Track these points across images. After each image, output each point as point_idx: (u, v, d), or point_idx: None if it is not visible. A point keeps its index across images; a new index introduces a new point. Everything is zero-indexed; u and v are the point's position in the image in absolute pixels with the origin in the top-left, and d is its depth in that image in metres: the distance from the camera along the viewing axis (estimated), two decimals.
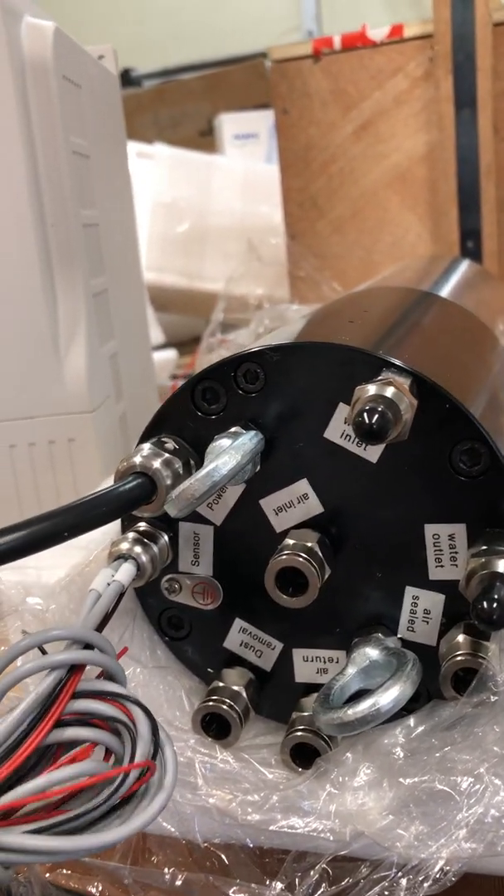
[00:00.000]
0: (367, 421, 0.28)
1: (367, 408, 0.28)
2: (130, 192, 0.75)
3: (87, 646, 0.28)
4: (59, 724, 0.27)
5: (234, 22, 2.67)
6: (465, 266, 0.77)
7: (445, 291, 0.58)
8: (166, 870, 0.34)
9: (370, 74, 0.98)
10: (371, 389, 0.29)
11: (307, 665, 0.36)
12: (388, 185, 1.00)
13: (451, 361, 0.39)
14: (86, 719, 0.27)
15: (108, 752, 0.27)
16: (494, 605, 0.28)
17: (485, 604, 0.28)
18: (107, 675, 0.29)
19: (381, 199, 1.01)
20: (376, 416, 0.28)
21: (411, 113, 0.98)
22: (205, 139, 2.06)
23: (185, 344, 1.35)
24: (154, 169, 1.50)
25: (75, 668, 0.28)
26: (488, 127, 0.93)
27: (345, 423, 0.33)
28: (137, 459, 0.33)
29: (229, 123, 1.73)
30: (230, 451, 0.31)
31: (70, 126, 0.55)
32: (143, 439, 0.35)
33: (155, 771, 0.26)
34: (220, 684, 0.36)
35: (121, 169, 0.73)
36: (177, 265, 1.47)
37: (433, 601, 0.34)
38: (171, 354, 1.27)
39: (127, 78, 2.58)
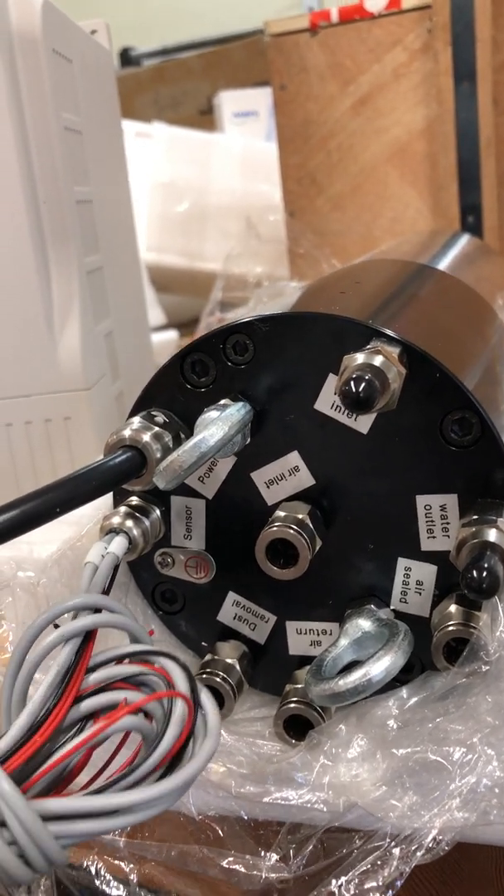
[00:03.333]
0: (353, 389, 0.28)
1: (355, 376, 0.28)
2: (125, 169, 0.75)
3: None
4: (84, 697, 0.26)
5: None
6: (464, 240, 0.77)
7: (443, 265, 0.57)
8: (161, 842, 0.34)
9: (368, 47, 0.96)
10: (359, 358, 0.29)
11: (301, 637, 0.36)
12: (388, 160, 0.99)
13: (444, 333, 0.39)
14: (110, 685, 0.27)
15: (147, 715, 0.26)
16: (484, 573, 0.28)
17: (474, 572, 0.28)
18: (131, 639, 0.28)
19: (381, 175, 1.00)
20: (363, 384, 0.28)
21: (410, 86, 0.96)
22: (205, 118, 2.05)
23: (187, 325, 1.35)
24: (153, 148, 1.49)
25: (89, 637, 0.27)
26: (488, 100, 0.92)
27: (335, 394, 0.32)
28: (127, 433, 0.33)
29: (229, 101, 1.72)
30: (218, 422, 0.31)
31: (61, 101, 0.54)
32: (133, 413, 0.35)
33: (195, 718, 0.25)
34: (214, 657, 0.36)
35: (115, 145, 0.72)
36: (177, 245, 1.46)
37: (425, 572, 0.34)
38: (172, 335, 1.27)
39: (126, 57, 2.56)
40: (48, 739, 0.25)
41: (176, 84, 2.23)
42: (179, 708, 0.24)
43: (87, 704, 0.26)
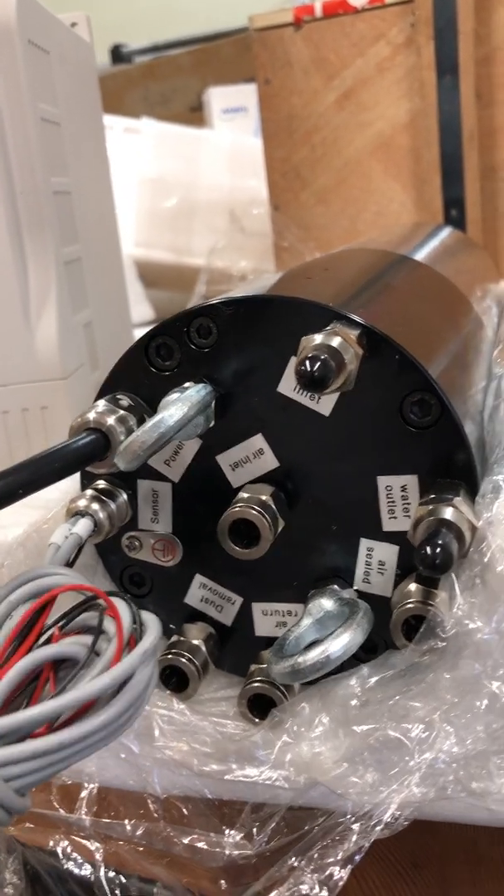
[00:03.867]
0: (308, 369, 0.28)
1: (310, 356, 0.28)
2: (107, 162, 0.75)
3: None
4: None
5: None
6: (446, 233, 0.77)
7: (421, 256, 0.57)
8: (127, 821, 0.34)
9: (352, 41, 0.97)
10: (317, 339, 0.30)
11: (267, 619, 0.37)
12: (372, 154, 1.00)
13: (412, 318, 0.39)
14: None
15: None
16: (438, 549, 0.28)
17: (428, 549, 0.28)
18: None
19: (365, 169, 1.00)
20: (318, 363, 0.28)
21: (394, 80, 0.97)
22: (195, 114, 2.05)
23: None
24: (141, 144, 1.50)
25: (48, 602, 0.27)
26: (470, 93, 0.92)
27: None
28: (91, 416, 0.33)
29: (217, 97, 1.72)
30: (177, 403, 0.31)
31: (38, 92, 0.54)
32: (100, 396, 0.35)
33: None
34: (180, 638, 0.37)
35: (95, 137, 0.72)
36: (165, 241, 1.47)
37: (387, 552, 0.34)
38: None
39: (118, 54, 2.56)
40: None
41: (166, 81, 2.23)
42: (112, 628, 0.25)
43: (36, 655, 0.26)
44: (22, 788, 0.23)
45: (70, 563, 0.31)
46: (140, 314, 1.33)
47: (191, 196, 1.48)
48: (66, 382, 0.55)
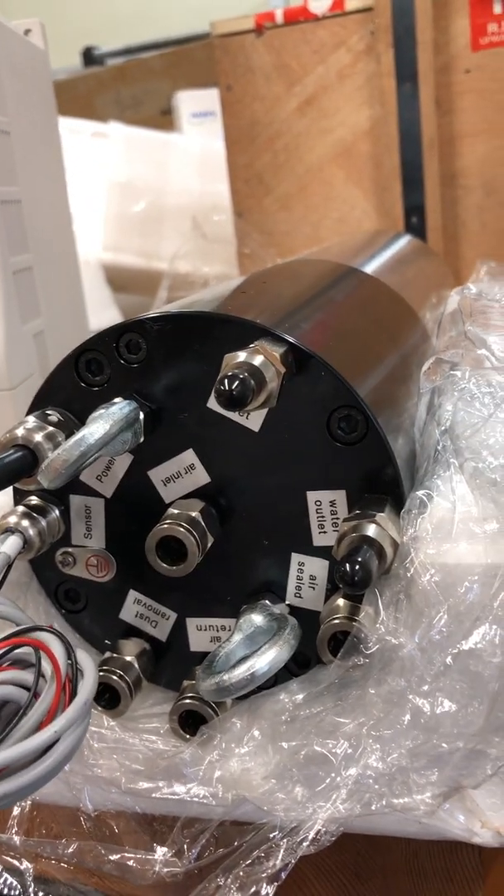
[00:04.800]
0: (227, 388, 0.28)
1: (230, 374, 0.28)
2: (62, 169, 0.74)
3: None
4: None
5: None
6: (403, 241, 0.77)
7: (373, 267, 0.57)
8: (57, 840, 0.34)
9: (313, 49, 0.97)
10: (240, 356, 0.30)
11: (201, 634, 0.37)
12: (333, 161, 1.00)
13: (347, 333, 0.39)
14: None
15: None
16: (357, 566, 0.28)
17: (347, 566, 0.28)
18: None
19: (327, 175, 1.00)
20: (236, 382, 0.28)
21: (354, 87, 0.97)
22: (166, 118, 2.04)
23: None
24: (109, 148, 1.49)
25: None
26: (430, 101, 0.92)
27: None
28: (20, 432, 0.33)
29: (187, 101, 1.72)
30: (99, 420, 0.31)
31: None
32: (30, 411, 0.35)
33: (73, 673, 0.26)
34: (113, 655, 0.36)
35: (49, 145, 0.72)
36: (133, 245, 1.46)
37: (318, 567, 0.34)
38: None
39: (90, 56, 2.55)
40: None
41: (137, 84, 2.23)
42: (50, 667, 0.25)
43: None
44: None
45: (0, 583, 0.31)
46: (107, 319, 1.32)
47: (159, 200, 1.48)
48: (14, 393, 0.54)
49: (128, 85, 2.26)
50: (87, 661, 0.27)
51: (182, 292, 0.99)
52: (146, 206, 1.47)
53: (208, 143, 1.55)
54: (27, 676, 0.26)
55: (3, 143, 0.58)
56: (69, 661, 0.27)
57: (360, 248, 0.66)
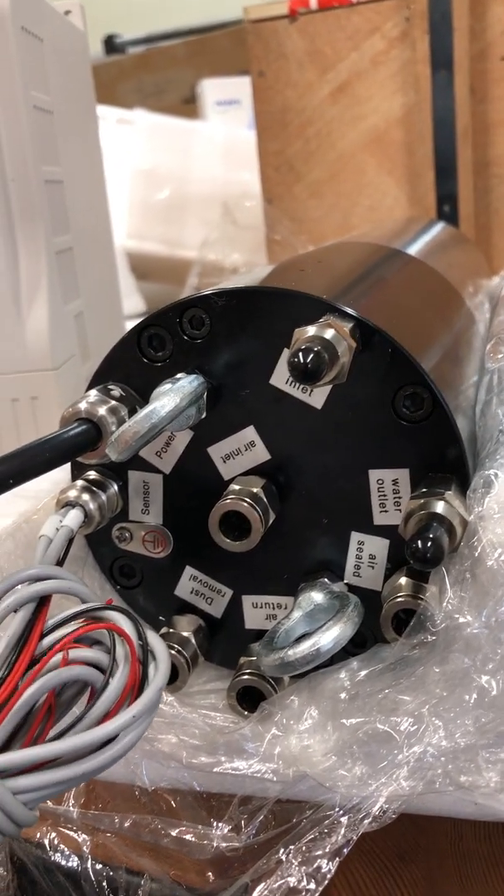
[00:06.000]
0: (301, 361, 0.28)
1: (303, 347, 0.28)
2: (99, 152, 0.74)
3: None
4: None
5: None
6: (439, 228, 0.77)
7: (414, 250, 0.57)
8: (114, 813, 0.34)
9: (347, 35, 0.96)
10: (310, 331, 0.29)
11: (257, 611, 0.37)
12: (365, 148, 0.99)
13: (404, 312, 0.39)
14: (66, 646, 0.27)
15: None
16: (429, 543, 0.28)
17: (419, 542, 0.28)
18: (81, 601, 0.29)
19: (359, 162, 1.00)
20: (311, 355, 0.28)
21: (388, 74, 0.96)
22: (188, 107, 2.04)
23: None
24: (134, 135, 1.49)
25: (42, 604, 0.28)
26: (465, 89, 0.92)
27: None
28: (83, 406, 0.33)
29: (211, 89, 1.72)
30: (169, 393, 0.31)
31: (31, 80, 0.54)
32: (91, 386, 0.35)
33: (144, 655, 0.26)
34: (170, 630, 0.36)
35: (88, 127, 0.72)
36: (157, 233, 1.46)
37: (378, 546, 0.34)
38: None
39: (111, 45, 2.55)
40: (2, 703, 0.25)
41: (159, 72, 2.22)
42: (123, 649, 0.25)
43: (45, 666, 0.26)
44: (31, 803, 0.23)
45: (62, 558, 0.31)
46: (131, 306, 1.32)
47: (183, 188, 1.48)
48: (57, 373, 0.54)
49: (150, 73, 2.25)
50: (157, 643, 0.27)
51: (212, 279, 0.99)
52: (170, 193, 1.47)
53: (233, 131, 1.55)
54: (95, 654, 0.26)
55: (46, 123, 0.58)
56: (140, 643, 0.27)
57: (401, 233, 0.66)
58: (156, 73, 2.24)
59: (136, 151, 1.48)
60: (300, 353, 0.28)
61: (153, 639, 0.27)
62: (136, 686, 0.26)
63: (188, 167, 1.49)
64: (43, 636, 0.27)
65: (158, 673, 0.26)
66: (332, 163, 1.01)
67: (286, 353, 0.33)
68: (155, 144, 1.50)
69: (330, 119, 1.00)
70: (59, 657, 0.25)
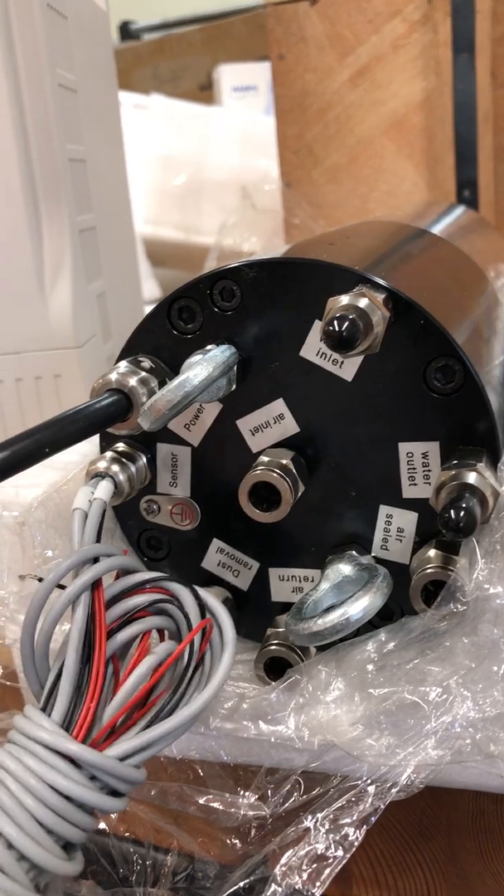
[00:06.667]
0: (336, 329, 0.28)
1: (339, 315, 0.28)
2: (120, 132, 0.74)
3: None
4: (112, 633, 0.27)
5: None
6: (460, 211, 0.77)
7: (438, 230, 0.57)
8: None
9: (367, 18, 0.96)
10: (344, 300, 0.29)
11: (283, 584, 0.37)
12: (385, 133, 0.99)
13: (433, 286, 0.39)
14: (129, 618, 0.28)
15: (164, 633, 0.28)
16: (462, 513, 0.28)
17: (452, 512, 0.28)
18: (125, 573, 0.29)
19: (378, 147, 0.99)
20: (347, 323, 0.28)
21: (409, 58, 0.96)
22: (204, 93, 2.03)
23: None
24: (151, 121, 1.49)
25: (95, 584, 0.28)
26: (486, 73, 0.91)
27: (320, 340, 0.33)
28: (114, 377, 0.33)
29: (228, 75, 1.71)
30: (202, 363, 0.31)
31: (56, 57, 0.54)
32: (120, 358, 0.35)
33: (212, 627, 0.27)
34: None
35: (110, 106, 0.72)
36: (173, 218, 1.46)
37: (406, 519, 0.34)
38: None
39: (126, 31, 2.54)
40: (99, 700, 0.26)
41: (175, 58, 2.21)
42: (196, 640, 0.27)
43: (119, 638, 0.27)
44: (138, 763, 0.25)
45: (99, 532, 0.31)
46: (147, 292, 1.32)
47: (200, 174, 1.47)
48: (80, 351, 0.55)
49: (166, 59, 2.25)
50: (220, 608, 0.28)
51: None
52: (186, 179, 1.47)
53: (250, 117, 1.55)
54: (161, 622, 0.27)
55: (70, 101, 0.58)
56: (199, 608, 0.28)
57: (424, 215, 0.66)
58: (172, 60, 2.23)
59: (152, 137, 1.47)
60: (335, 321, 0.28)
61: (210, 599, 0.28)
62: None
63: (205, 153, 1.49)
64: (107, 605, 0.28)
65: (225, 630, 0.27)
66: (351, 147, 1.00)
67: (317, 324, 0.33)
68: (171, 130, 1.49)
69: (349, 103, 0.99)
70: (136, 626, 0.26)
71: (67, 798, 0.24)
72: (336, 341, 0.28)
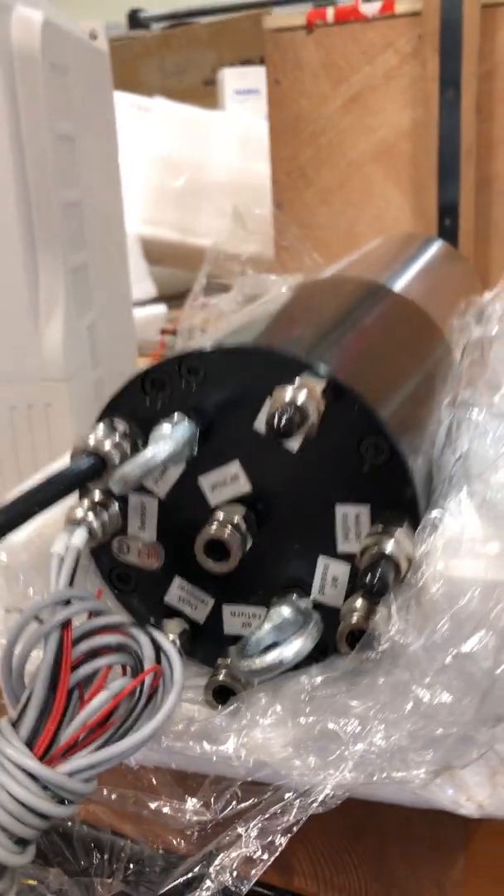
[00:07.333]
0: (276, 423, 0.33)
1: (278, 411, 0.34)
2: (117, 168, 0.79)
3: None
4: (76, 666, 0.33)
5: None
6: (433, 249, 0.81)
7: (401, 280, 0.62)
8: (104, 787, 0.40)
9: (361, 49, 1.00)
10: (286, 395, 0.35)
11: (234, 619, 0.42)
12: (374, 159, 1.03)
13: (377, 358, 0.44)
14: (94, 654, 0.34)
15: (125, 669, 0.34)
16: (376, 579, 0.33)
17: (368, 577, 0.34)
18: (94, 614, 0.35)
19: (367, 173, 1.04)
20: (284, 419, 0.33)
21: (399, 89, 1.00)
22: (209, 88, 2.06)
23: (179, 296, 1.38)
24: (152, 122, 1.52)
25: (66, 623, 0.34)
26: (471, 108, 0.96)
27: None
28: (91, 441, 0.38)
29: (231, 78, 1.74)
30: (168, 440, 0.36)
31: (56, 111, 0.58)
32: (101, 418, 0.40)
33: (161, 672, 0.33)
34: None
35: (107, 144, 0.76)
36: (171, 219, 1.49)
37: (340, 570, 0.39)
38: (160, 310, 1.31)
39: (135, 19, 2.56)
40: (59, 724, 0.32)
41: (182, 52, 2.24)
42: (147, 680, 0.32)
43: (82, 672, 0.33)
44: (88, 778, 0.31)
45: (73, 573, 0.36)
46: (143, 292, 1.36)
47: (199, 176, 1.51)
48: (69, 383, 0.60)
49: (172, 52, 2.27)
50: (169, 646, 0.33)
51: (227, 266, 1.02)
52: (186, 181, 1.50)
53: (250, 121, 1.58)
54: (122, 659, 0.33)
55: (67, 149, 0.62)
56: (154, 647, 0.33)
57: (390, 258, 0.71)
58: (178, 53, 2.25)
59: (153, 138, 1.51)
60: (275, 416, 0.33)
61: (164, 643, 0.33)
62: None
63: (205, 155, 1.52)
64: (75, 642, 0.33)
65: (175, 671, 0.32)
66: (341, 171, 1.05)
67: (269, 400, 0.38)
68: (173, 132, 1.53)
69: (342, 129, 1.03)
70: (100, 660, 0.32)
71: (23, 804, 0.30)
72: (275, 433, 0.33)
